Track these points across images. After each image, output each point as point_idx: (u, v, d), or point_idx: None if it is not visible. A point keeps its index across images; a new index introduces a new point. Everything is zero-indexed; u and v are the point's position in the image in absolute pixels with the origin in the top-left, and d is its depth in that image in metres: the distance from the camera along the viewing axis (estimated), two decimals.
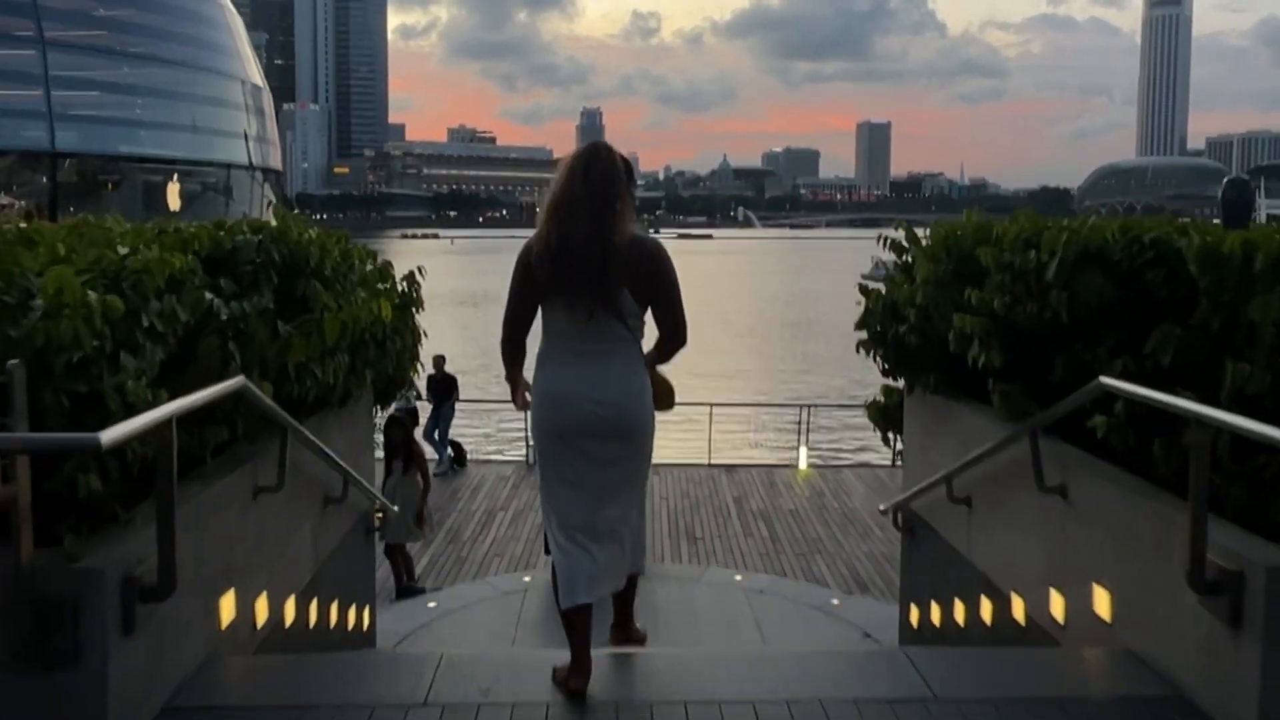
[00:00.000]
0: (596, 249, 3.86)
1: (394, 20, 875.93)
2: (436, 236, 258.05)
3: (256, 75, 47.93)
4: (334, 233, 5.71)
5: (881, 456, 18.79)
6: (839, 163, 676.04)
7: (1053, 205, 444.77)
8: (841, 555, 13.43)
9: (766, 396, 31.83)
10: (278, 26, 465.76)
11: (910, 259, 6.35)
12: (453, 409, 18.26)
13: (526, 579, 8.78)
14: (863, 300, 7.08)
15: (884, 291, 6.70)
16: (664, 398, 4.41)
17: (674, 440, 20.61)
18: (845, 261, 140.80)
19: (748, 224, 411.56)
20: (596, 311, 3.90)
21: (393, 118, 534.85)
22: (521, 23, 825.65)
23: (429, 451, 18.28)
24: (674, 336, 4.17)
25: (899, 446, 7.26)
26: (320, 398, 5.18)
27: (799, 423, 18.48)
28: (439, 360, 18.35)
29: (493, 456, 19.99)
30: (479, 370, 40.70)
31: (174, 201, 45.02)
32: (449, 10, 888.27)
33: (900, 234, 6.97)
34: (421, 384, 18.39)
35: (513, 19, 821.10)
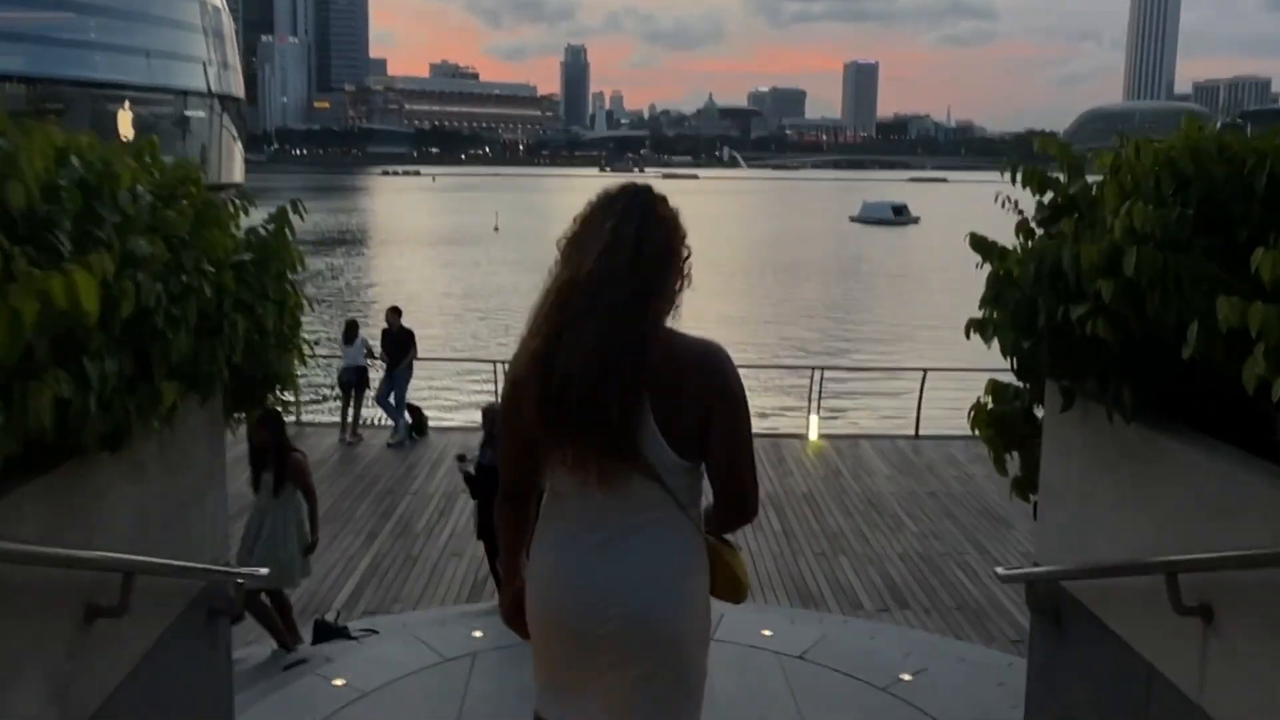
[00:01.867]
0: (623, 372, 2.51)
1: None
2: (418, 174, 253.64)
3: None
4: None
5: (902, 424, 16.46)
6: (825, 104, 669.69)
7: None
8: (870, 555, 11.13)
9: (771, 354, 29.48)
10: None
11: (1096, 191, 3.89)
12: (410, 369, 15.82)
13: (477, 634, 6.44)
14: (981, 262, 4.66)
15: (1032, 247, 4.25)
16: (727, 587, 2.97)
17: None
18: (831, 203, 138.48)
19: (733, 164, 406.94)
20: (615, 472, 2.57)
21: (374, 52, 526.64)
22: None
23: (382, 417, 15.97)
24: (739, 500, 2.76)
25: (1011, 467, 4.93)
26: (57, 439, 2.78)
27: (810, 387, 16.07)
28: (394, 313, 15.90)
29: (458, 423, 17.58)
30: (454, 318, 38.15)
31: (126, 130, 41.97)
32: None
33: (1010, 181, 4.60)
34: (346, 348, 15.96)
35: None
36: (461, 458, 11.80)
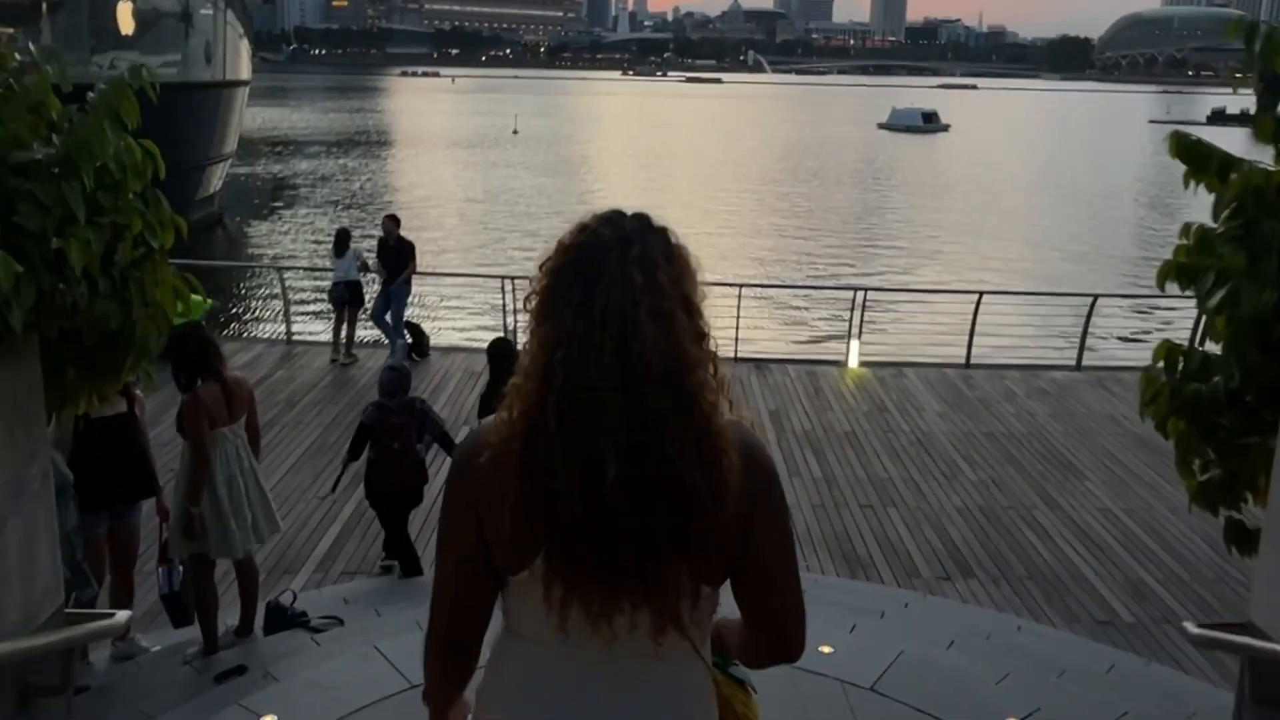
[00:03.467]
0: (655, 490, 1.70)
1: None
2: (437, 75, 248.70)
3: None
4: None
5: (950, 351, 14.93)
6: (854, 7, 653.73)
7: (1073, 55, 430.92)
8: (925, 510, 9.72)
9: (804, 272, 27.67)
10: None
11: None
12: (408, 284, 14.33)
13: None
14: (1193, 182, 3.13)
15: None
16: None
17: None
18: (858, 109, 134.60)
19: (757, 68, 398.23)
20: (627, 620, 1.78)
21: None
22: None
23: (377, 335, 14.55)
24: (780, 640, 1.95)
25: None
26: None
27: (850, 309, 14.48)
28: (391, 221, 14.35)
29: (462, 342, 16.13)
30: (462, 224, 36.20)
31: (125, 24, 40.02)
32: None
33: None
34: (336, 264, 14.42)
35: None
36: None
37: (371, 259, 14.43)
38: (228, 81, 40.57)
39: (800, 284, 23.53)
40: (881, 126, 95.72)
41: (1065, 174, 59.22)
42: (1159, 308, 19.35)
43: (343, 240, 14.17)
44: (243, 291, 23.04)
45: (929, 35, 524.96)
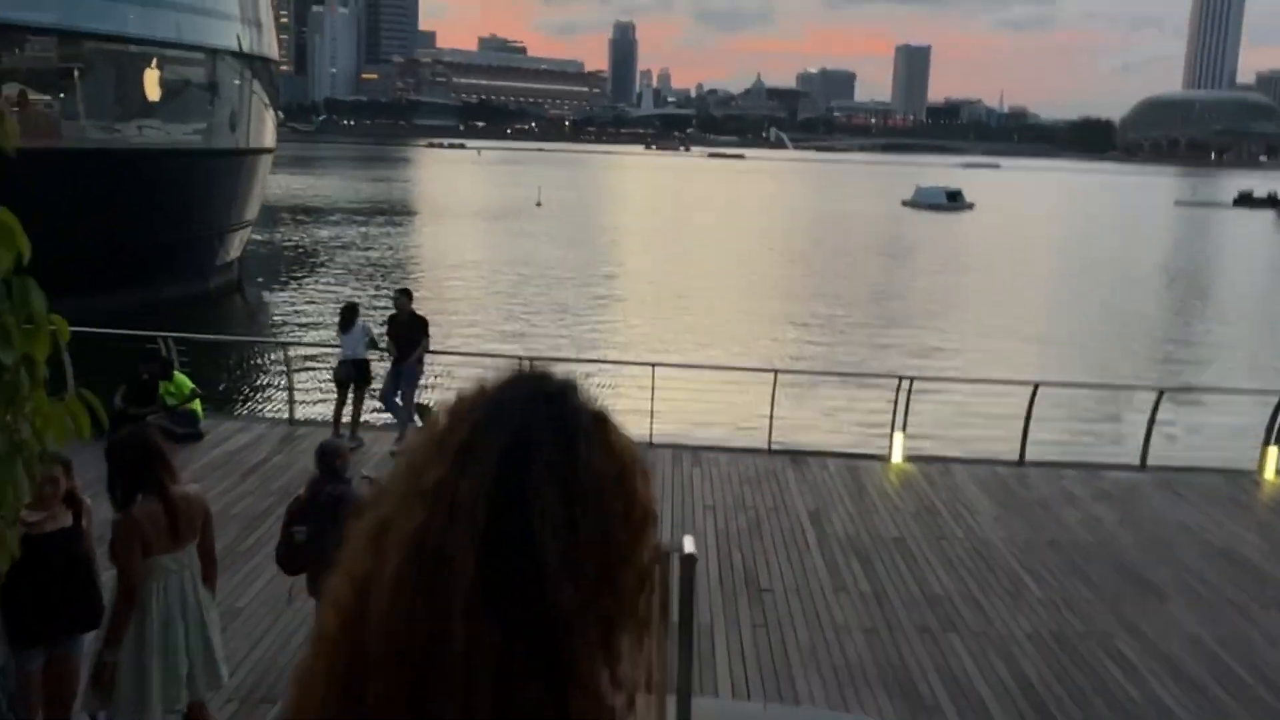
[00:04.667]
0: None
1: None
2: (463, 147, 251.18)
3: None
4: None
5: (1001, 446, 13.83)
6: (875, 86, 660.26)
7: (1095, 137, 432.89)
8: (991, 636, 8.59)
9: (846, 354, 26.39)
10: None
11: None
12: (421, 363, 13.38)
13: None
14: None
15: None
16: None
17: (726, 412, 15.82)
18: (881, 186, 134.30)
19: (779, 145, 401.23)
20: None
21: (424, 25, 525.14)
22: None
23: (372, 412, 13.55)
24: None
25: None
26: None
27: (895, 398, 13.41)
28: (404, 297, 13.44)
29: None
30: (481, 299, 35.17)
31: (152, 92, 39.86)
32: None
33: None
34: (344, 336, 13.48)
35: None
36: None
37: (381, 335, 13.52)
38: (251, 149, 40.29)
39: (841, 371, 22.24)
40: (906, 204, 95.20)
41: (1102, 256, 58.11)
42: (1226, 401, 18.22)
43: (349, 316, 13.24)
44: (247, 367, 22.13)
45: (950, 115, 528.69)
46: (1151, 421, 13.36)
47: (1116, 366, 26.13)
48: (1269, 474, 13.07)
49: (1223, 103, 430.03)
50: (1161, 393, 13.74)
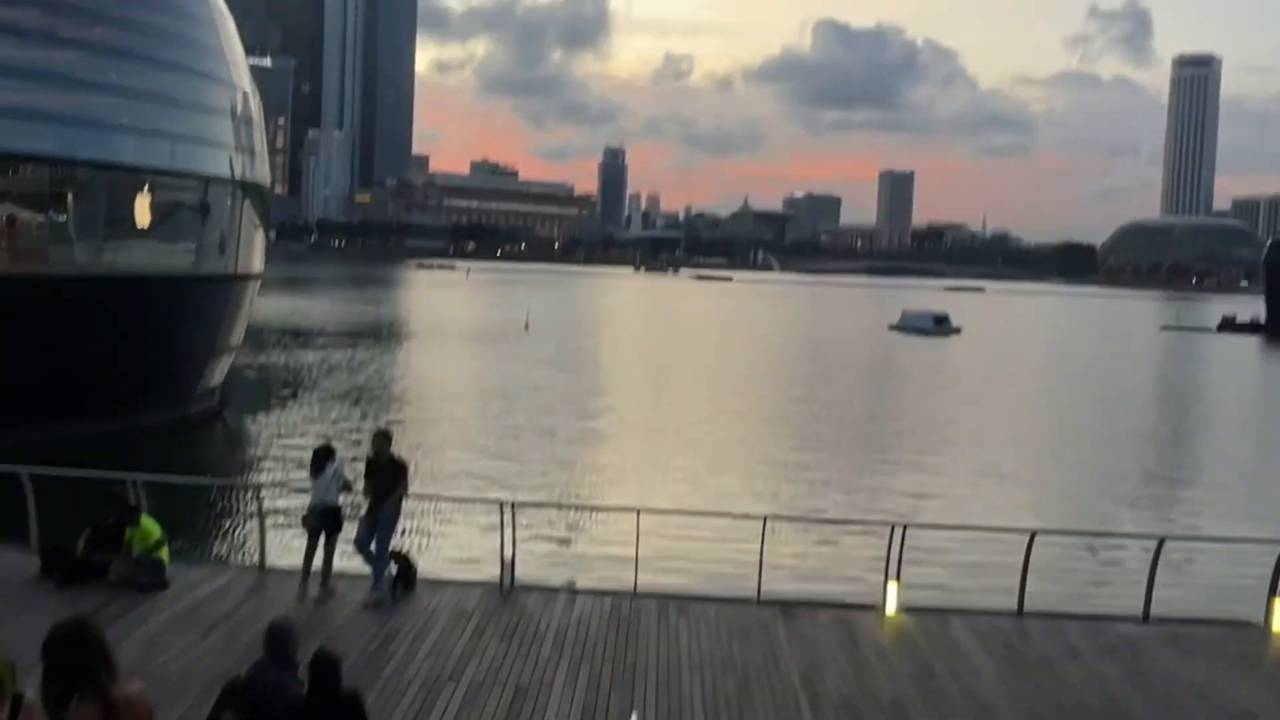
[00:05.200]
0: None
1: (430, 54, 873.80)
2: (453, 267, 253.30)
3: (245, 80, 42.97)
4: None
5: (999, 596, 13.34)
6: (860, 210, 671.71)
7: (1078, 261, 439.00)
8: None
9: (831, 497, 25.80)
10: (307, 52, 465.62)
11: None
12: (398, 509, 12.90)
13: None
14: None
15: None
16: None
17: (714, 558, 15.34)
18: (868, 309, 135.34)
19: (767, 267, 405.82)
20: None
21: (420, 149, 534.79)
22: (556, 61, 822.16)
23: (362, 566, 13.01)
24: None
25: None
26: None
27: (888, 546, 12.95)
28: (384, 439, 13.02)
29: (455, 573, 14.61)
30: (465, 433, 34.50)
31: (143, 217, 39.97)
32: (486, 46, 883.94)
33: None
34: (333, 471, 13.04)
35: (547, 58, 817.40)
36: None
37: (356, 479, 13.05)
38: (238, 275, 40.28)
39: (832, 518, 21.59)
40: (893, 328, 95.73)
41: (1093, 384, 58.10)
42: (1231, 550, 17.73)
43: (321, 459, 12.78)
44: (218, 509, 21.47)
45: (934, 238, 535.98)
46: (1153, 571, 12.90)
47: (1114, 507, 25.63)
48: (1276, 627, 12.59)
49: (1201, 228, 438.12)
50: (1162, 541, 13.30)
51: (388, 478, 12.75)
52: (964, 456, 32.76)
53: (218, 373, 38.78)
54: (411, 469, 13.57)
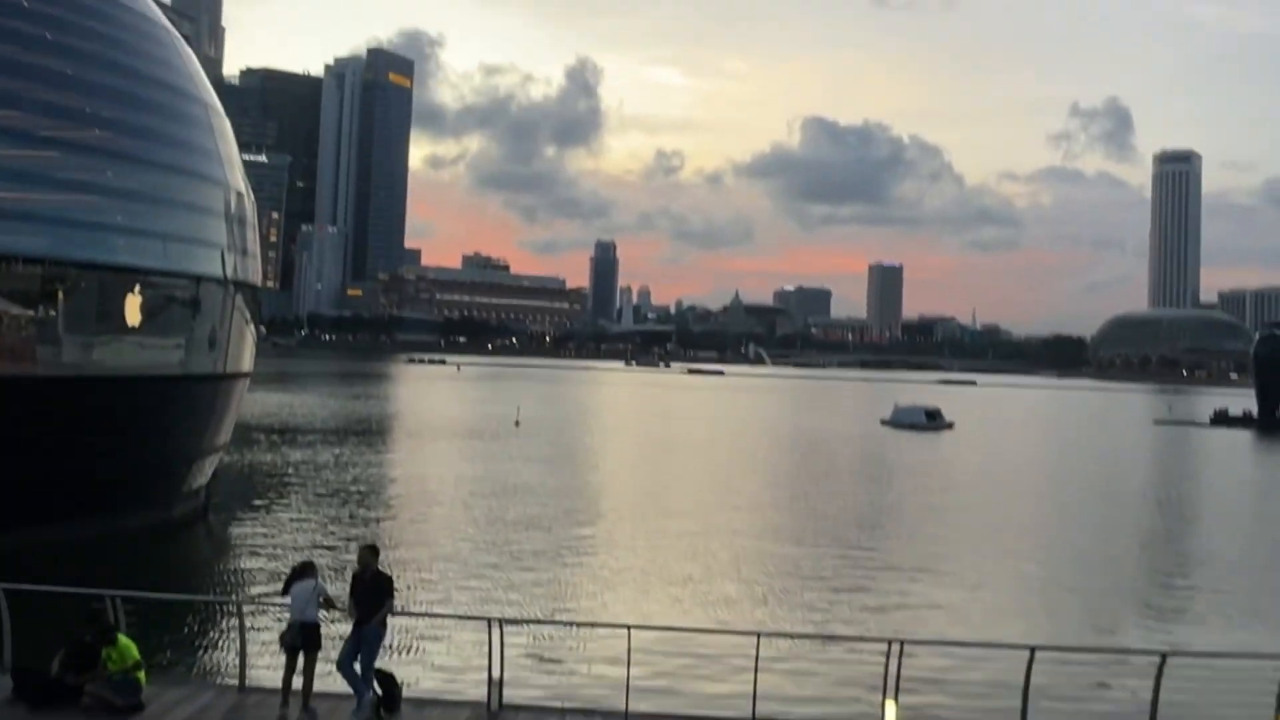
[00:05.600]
0: None
1: (425, 150, 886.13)
2: (443, 362, 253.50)
3: (240, 180, 43.34)
4: None
5: (1002, 717, 12.97)
6: (851, 303, 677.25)
7: (1067, 354, 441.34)
8: None
9: (834, 608, 25.09)
10: (302, 148, 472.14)
11: None
12: (383, 625, 12.56)
13: None
14: None
15: None
16: None
17: (707, 676, 14.95)
18: (860, 403, 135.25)
19: (759, 361, 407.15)
20: None
21: (413, 244, 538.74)
22: (549, 158, 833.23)
23: (345, 686, 12.62)
24: None
25: None
26: None
27: (884, 662, 12.61)
28: (370, 553, 12.74)
29: (441, 692, 14.20)
30: (457, 539, 33.92)
31: (133, 316, 39.90)
32: (480, 143, 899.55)
33: None
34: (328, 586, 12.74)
35: (540, 154, 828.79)
36: None
37: (339, 595, 12.74)
38: (227, 374, 40.09)
39: (827, 635, 20.82)
40: (885, 423, 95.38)
41: (1089, 481, 57.69)
42: (1235, 664, 17.31)
43: (301, 574, 12.44)
44: (197, 625, 20.81)
45: (925, 331, 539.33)
46: (1156, 690, 12.57)
47: (1115, 616, 25.11)
48: None
49: (1189, 321, 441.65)
50: (1165, 657, 12.98)
51: (373, 593, 12.46)
52: (960, 566, 31.90)
53: (204, 473, 38.39)
54: (398, 582, 13.27)
